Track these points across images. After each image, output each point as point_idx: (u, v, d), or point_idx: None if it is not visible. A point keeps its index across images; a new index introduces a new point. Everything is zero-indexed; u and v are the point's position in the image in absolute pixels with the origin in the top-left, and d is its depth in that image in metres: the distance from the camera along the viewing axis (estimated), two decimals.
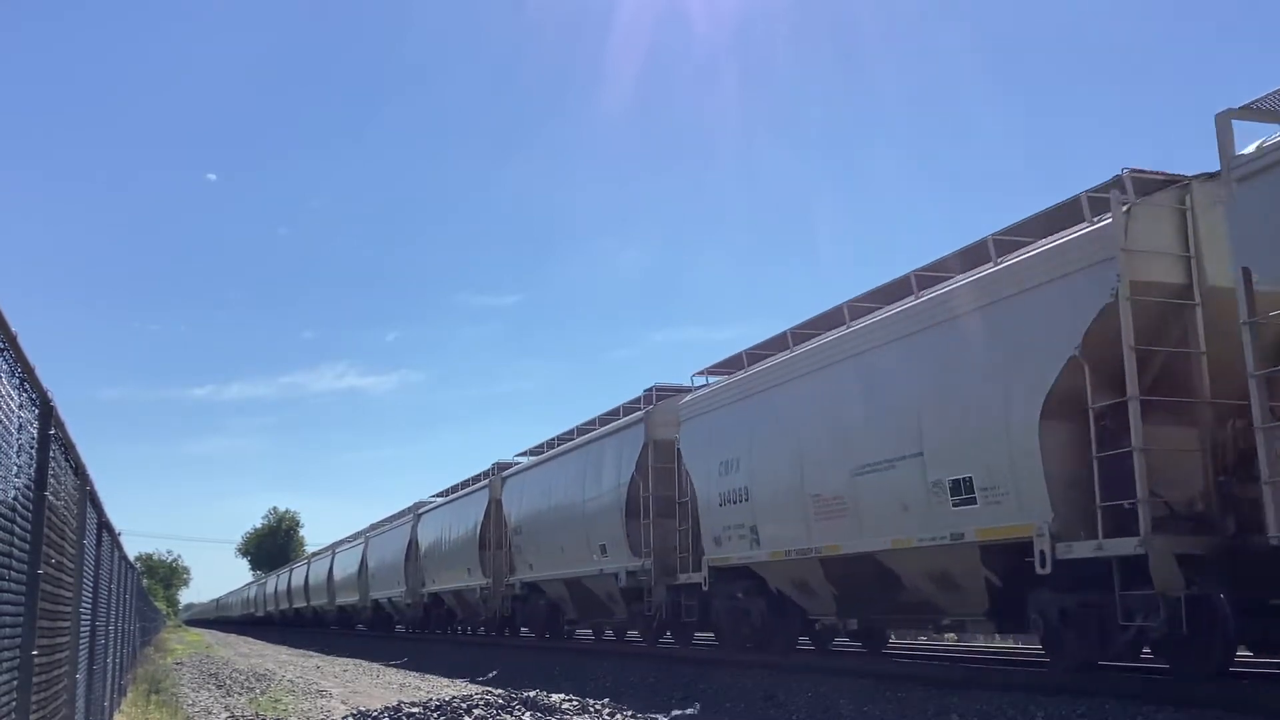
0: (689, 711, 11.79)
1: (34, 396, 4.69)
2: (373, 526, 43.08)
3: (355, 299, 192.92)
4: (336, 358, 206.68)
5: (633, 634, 23.77)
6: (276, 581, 70.55)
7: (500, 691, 12.49)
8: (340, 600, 47.38)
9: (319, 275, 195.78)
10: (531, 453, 25.35)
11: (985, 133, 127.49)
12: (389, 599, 38.28)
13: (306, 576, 56.30)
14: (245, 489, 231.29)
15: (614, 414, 20.63)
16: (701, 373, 17.01)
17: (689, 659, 16.64)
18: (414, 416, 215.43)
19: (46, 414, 4.84)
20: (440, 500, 33.30)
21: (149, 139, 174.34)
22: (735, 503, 14.72)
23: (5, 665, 4.12)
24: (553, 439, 24.01)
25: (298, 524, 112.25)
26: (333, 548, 51.08)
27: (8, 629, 4.14)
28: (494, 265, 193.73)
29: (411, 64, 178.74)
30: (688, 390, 17.53)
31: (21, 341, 4.16)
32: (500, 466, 27.10)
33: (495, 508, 26.19)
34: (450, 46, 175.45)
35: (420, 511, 34.39)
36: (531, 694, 11.93)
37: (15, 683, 4.32)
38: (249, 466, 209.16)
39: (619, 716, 10.57)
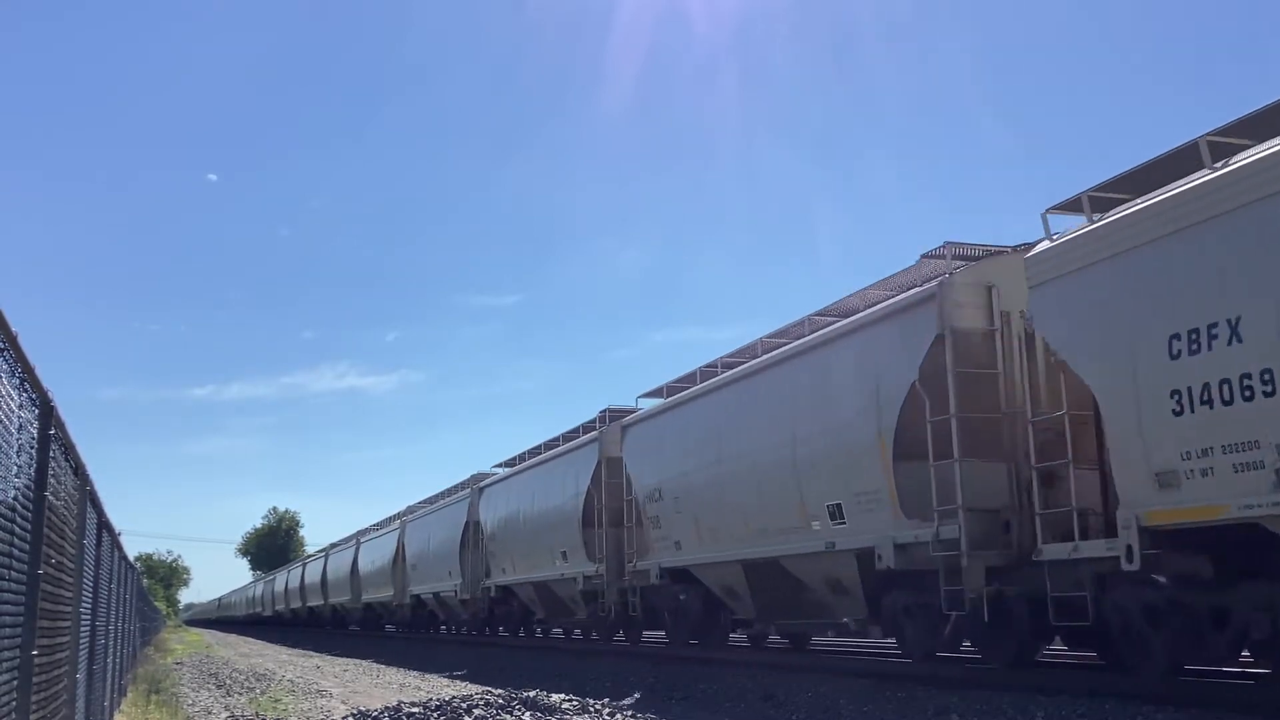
0: None
1: (34, 396, 4.69)
2: (410, 510, 37.03)
3: (355, 299, 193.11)
4: (336, 358, 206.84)
5: (820, 641, 17.61)
6: (287, 577, 63.56)
7: (500, 691, 12.49)
8: (368, 596, 41.22)
9: (319, 275, 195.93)
10: (668, 391, 18.31)
11: (984, 133, 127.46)
12: (435, 594, 31.83)
13: (324, 571, 49.71)
14: (245, 489, 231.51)
15: (867, 299, 13.41)
16: (1095, 188, 9.96)
17: (689, 659, 16.61)
18: (414, 416, 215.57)
19: (46, 414, 4.84)
20: (508, 471, 26.65)
21: (149, 139, 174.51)
22: None
23: (5, 665, 4.12)
24: (712, 363, 16.96)
25: (298, 524, 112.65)
26: (356, 537, 44.97)
27: (8, 629, 4.14)
28: (494, 265, 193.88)
29: (411, 64, 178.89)
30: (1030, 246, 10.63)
31: (21, 341, 4.16)
32: (613, 414, 20.62)
33: (608, 469, 19.72)
34: (450, 46, 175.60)
35: (483, 484, 27.74)
36: (531, 694, 11.93)
37: (15, 683, 4.32)
38: (249, 466, 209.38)
39: (619, 716, 10.57)
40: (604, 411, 21.10)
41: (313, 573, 53.47)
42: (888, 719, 9.96)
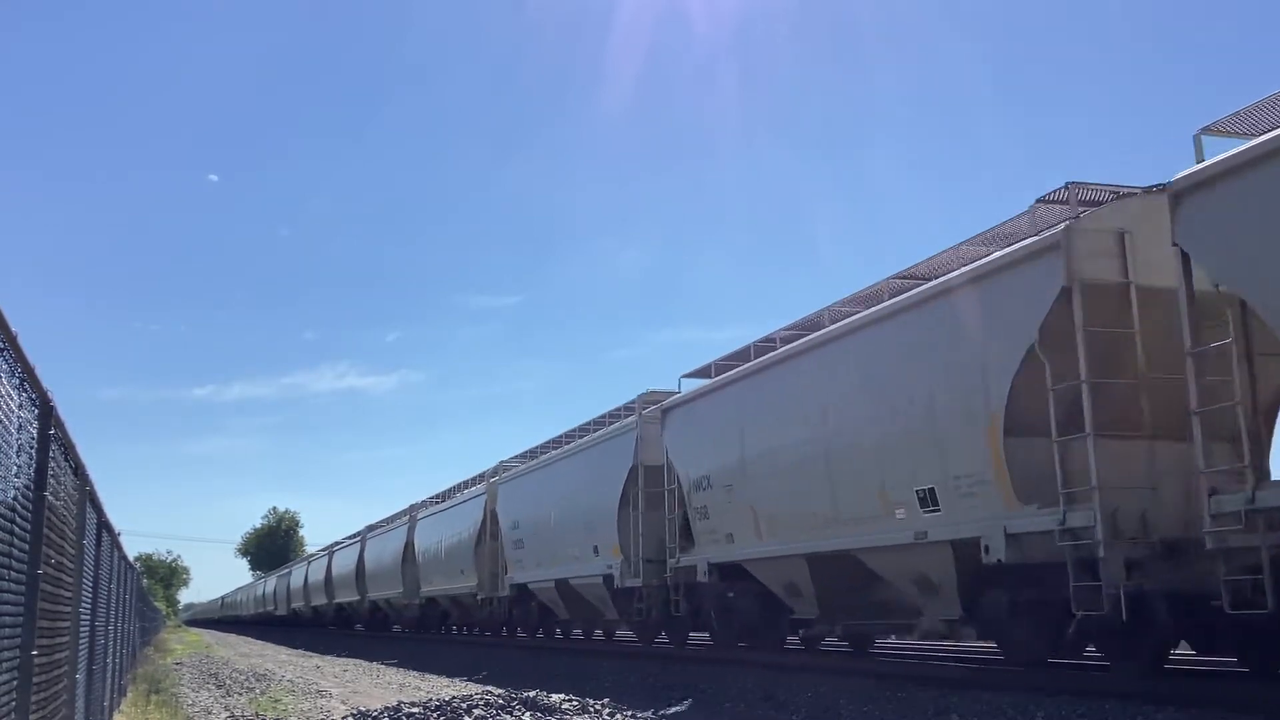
0: (679, 709, 11.18)
1: (34, 396, 4.69)
2: (505, 466, 26.70)
3: (355, 299, 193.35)
4: (337, 358, 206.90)
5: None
6: (307, 570, 54.59)
7: (500, 691, 12.49)
8: (432, 589, 31.72)
9: (319, 275, 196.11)
10: None
11: (985, 132, 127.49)
12: (560, 583, 21.50)
13: (359, 560, 40.86)
14: (245, 489, 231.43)
15: None
16: None
17: (689, 659, 16.60)
18: (414, 416, 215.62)
19: (46, 414, 4.84)
20: (730, 375, 15.70)
21: (149, 139, 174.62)
22: None
23: (5, 665, 4.12)
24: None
25: (298, 524, 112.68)
26: (410, 513, 35.49)
27: (8, 629, 4.14)
28: (494, 265, 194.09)
29: (411, 64, 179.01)
30: None
31: (21, 341, 4.16)
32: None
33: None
34: (450, 46, 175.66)
35: (670, 404, 17.51)
36: (531, 694, 11.93)
37: (15, 683, 4.32)
38: (249, 466, 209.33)
39: (619, 716, 10.57)
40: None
41: (343, 563, 44.51)
42: (888, 719, 9.96)
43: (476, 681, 16.21)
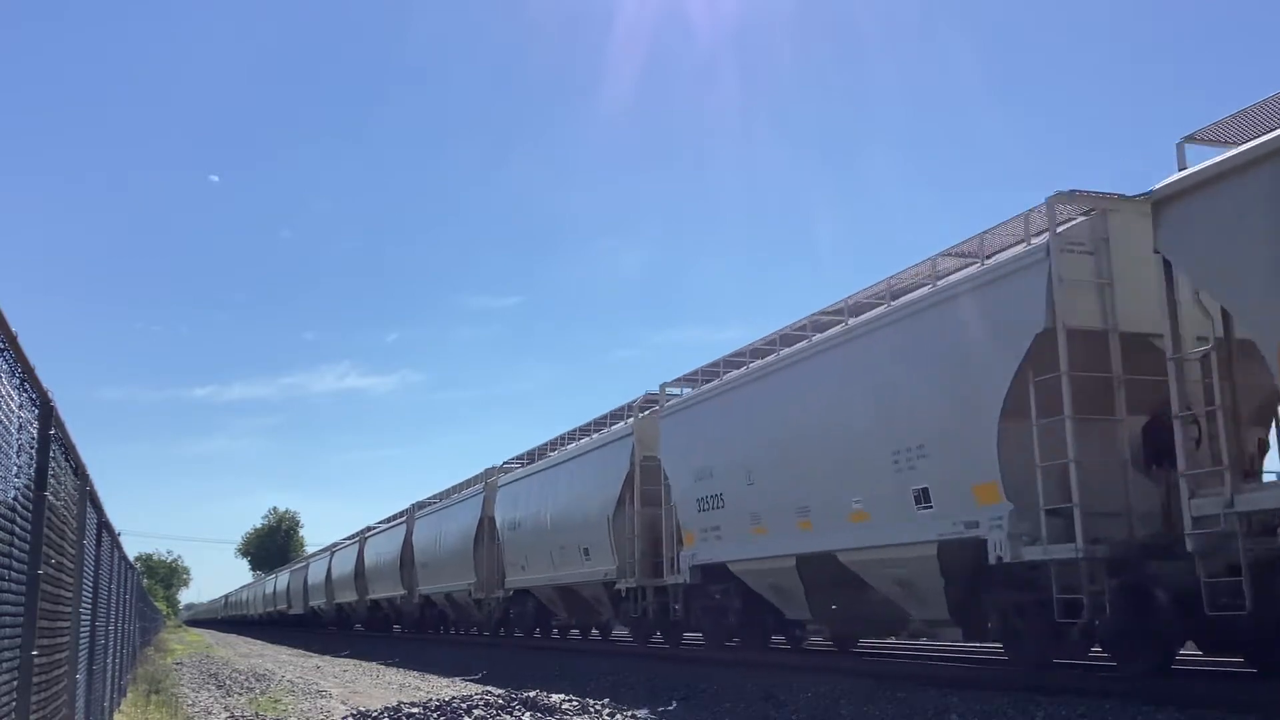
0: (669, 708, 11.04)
1: (34, 396, 4.69)
2: (666, 393, 17.78)
3: (355, 299, 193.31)
4: (337, 358, 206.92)
5: None
6: (329, 563, 46.41)
7: (500, 691, 12.48)
8: (522, 579, 23.36)
9: (319, 275, 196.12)
10: None
11: (984, 133, 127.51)
12: (811, 559, 13.26)
13: (405, 546, 33.31)
14: (245, 489, 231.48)
15: None
16: None
17: (689, 659, 16.58)
18: (414, 416, 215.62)
19: (46, 414, 4.84)
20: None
21: (149, 139, 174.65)
22: None
23: (5, 665, 4.12)
24: None
25: (298, 524, 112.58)
26: (484, 479, 27.26)
27: (8, 629, 4.14)
28: (494, 265, 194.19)
29: (411, 64, 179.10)
30: None
31: (21, 341, 4.16)
32: None
33: None
34: (450, 46, 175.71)
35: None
36: (531, 694, 11.92)
37: (15, 683, 4.31)
38: (249, 466, 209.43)
39: (619, 716, 10.57)
40: None
41: (379, 551, 36.77)
42: (888, 719, 9.96)
43: (476, 681, 16.20)
